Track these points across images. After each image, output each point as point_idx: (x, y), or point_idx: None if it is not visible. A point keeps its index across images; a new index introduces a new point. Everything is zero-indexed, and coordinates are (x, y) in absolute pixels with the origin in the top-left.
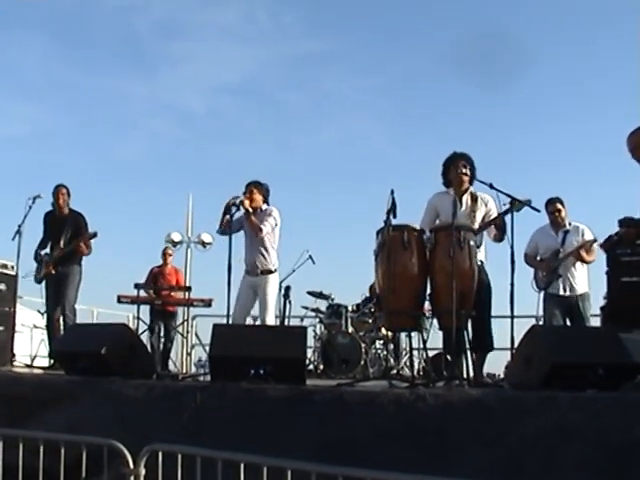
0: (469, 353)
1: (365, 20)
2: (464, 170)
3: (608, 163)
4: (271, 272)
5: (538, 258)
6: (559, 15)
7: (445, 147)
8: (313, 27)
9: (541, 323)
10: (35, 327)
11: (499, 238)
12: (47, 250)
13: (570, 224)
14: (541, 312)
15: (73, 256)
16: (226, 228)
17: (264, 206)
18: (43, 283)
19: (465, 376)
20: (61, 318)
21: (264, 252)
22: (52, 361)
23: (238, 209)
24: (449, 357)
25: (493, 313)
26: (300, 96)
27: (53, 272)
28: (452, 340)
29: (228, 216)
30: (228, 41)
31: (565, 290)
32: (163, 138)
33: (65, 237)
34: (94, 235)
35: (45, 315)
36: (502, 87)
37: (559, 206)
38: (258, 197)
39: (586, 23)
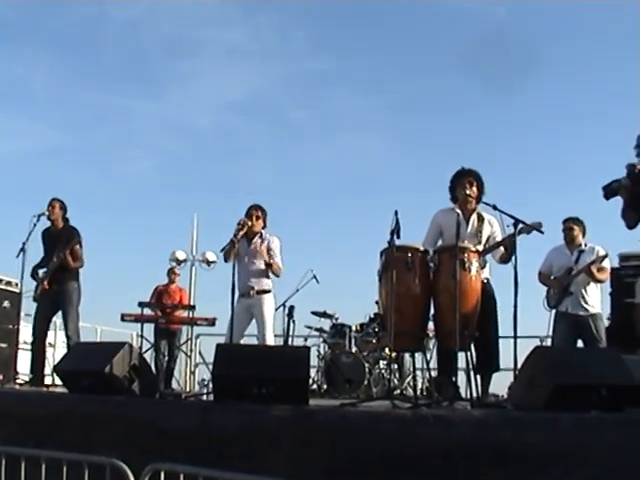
0: (472, 374)
1: (370, 38)
2: (469, 192)
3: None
4: (266, 292)
5: (552, 277)
6: (562, 17)
7: (451, 165)
8: (319, 45)
9: (545, 344)
10: None
11: (506, 259)
12: (45, 268)
13: (586, 245)
14: (547, 332)
15: (66, 271)
16: (234, 258)
17: (264, 232)
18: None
19: (468, 397)
20: (65, 338)
21: (259, 273)
22: (52, 379)
23: (244, 231)
24: (450, 378)
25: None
26: (305, 114)
27: (47, 287)
28: (455, 361)
29: (237, 245)
30: (234, 59)
31: (575, 308)
32: (169, 156)
33: (57, 251)
34: (77, 241)
35: (32, 332)
36: (507, 101)
37: (571, 224)
38: (260, 222)
39: (590, 28)
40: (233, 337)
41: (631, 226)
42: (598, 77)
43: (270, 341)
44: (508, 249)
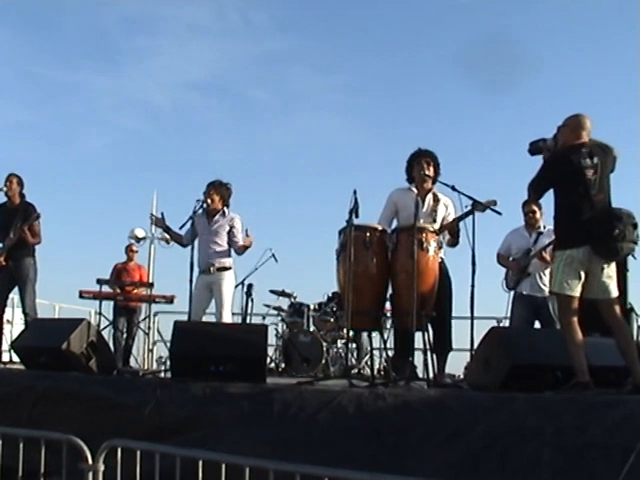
0: (429, 354)
1: (331, 19)
2: (427, 172)
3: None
4: (227, 269)
5: (510, 259)
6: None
7: (408, 145)
8: (281, 25)
9: (503, 325)
10: None
11: (452, 243)
12: (0, 244)
13: (545, 227)
14: (505, 314)
15: (23, 247)
16: (185, 241)
17: (225, 210)
18: None
19: (425, 376)
20: (22, 315)
21: (219, 251)
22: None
23: (201, 207)
24: (407, 358)
25: (454, 314)
26: (266, 93)
27: (4, 264)
28: (412, 341)
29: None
30: (196, 37)
31: (533, 289)
32: (129, 133)
33: (15, 227)
34: (36, 217)
35: None
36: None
37: (534, 207)
38: (217, 199)
39: (590, 27)
40: (193, 314)
41: (530, 199)
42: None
43: (228, 319)
44: (452, 234)
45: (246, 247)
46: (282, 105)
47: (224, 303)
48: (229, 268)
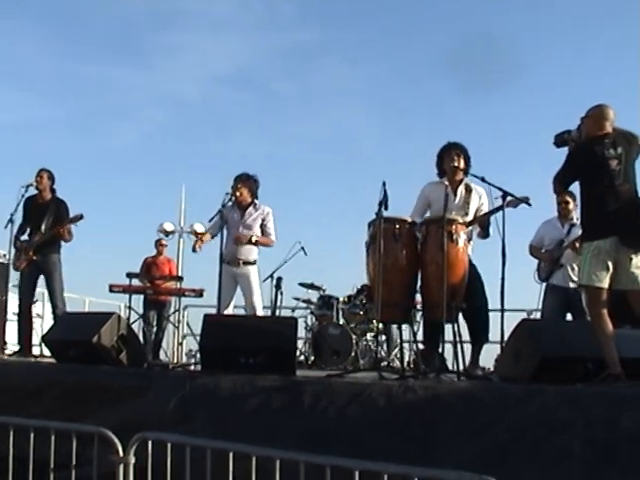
0: (459, 346)
1: (358, 9)
2: (456, 164)
3: None
4: (252, 264)
5: (543, 250)
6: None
7: (439, 138)
8: (307, 17)
9: (533, 316)
10: None
11: (482, 236)
12: (26, 237)
13: (578, 219)
14: (537, 305)
15: (53, 243)
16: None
17: (256, 202)
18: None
19: (455, 369)
20: (51, 309)
21: (247, 245)
22: (41, 350)
23: (230, 200)
24: (437, 350)
25: None
26: (293, 85)
27: (34, 258)
28: (442, 333)
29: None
30: (224, 31)
31: (565, 281)
32: (158, 127)
33: (46, 223)
34: (80, 217)
35: (18, 303)
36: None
37: (567, 198)
38: (245, 192)
39: (580, 26)
40: (221, 305)
41: (555, 191)
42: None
43: (259, 311)
44: (482, 226)
45: (273, 242)
46: (309, 97)
47: (254, 295)
48: (254, 262)
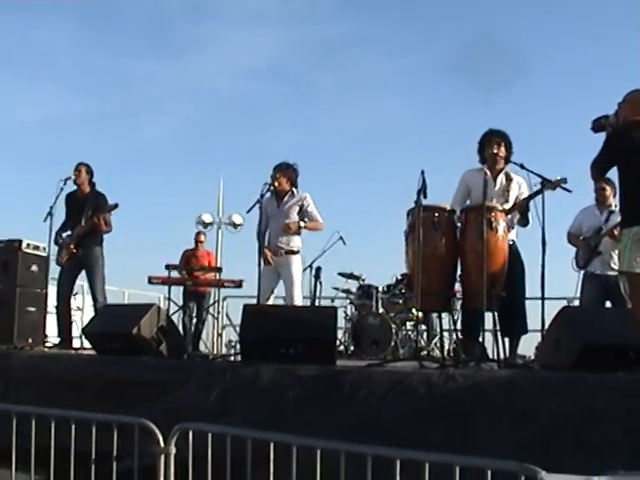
0: (499, 335)
1: (396, 2)
2: (497, 151)
3: None
4: (295, 253)
5: (581, 237)
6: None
7: (475, 124)
8: (344, 8)
9: (574, 304)
10: None
11: (522, 223)
12: (68, 232)
13: (616, 206)
14: (574, 294)
15: (94, 236)
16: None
17: (294, 190)
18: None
19: (495, 358)
20: (92, 302)
21: (289, 233)
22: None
23: (269, 190)
24: (477, 338)
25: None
26: (330, 77)
27: (74, 251)
28: (482, 321)
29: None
30: (259, 22)
31: (604, 268)
32: (193, 120)
33: (86, 216)
34: (114, 207)
35: (57, 296)
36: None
37: (604, 184)
38: (283, 181)
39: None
40: (261, 295)
41: (593, 177)
42: None
43: (298, 302)
44: (521, 213)
45: (321, 224)
46: (346, 89)
47: (294, 285)
48: (297, 252)
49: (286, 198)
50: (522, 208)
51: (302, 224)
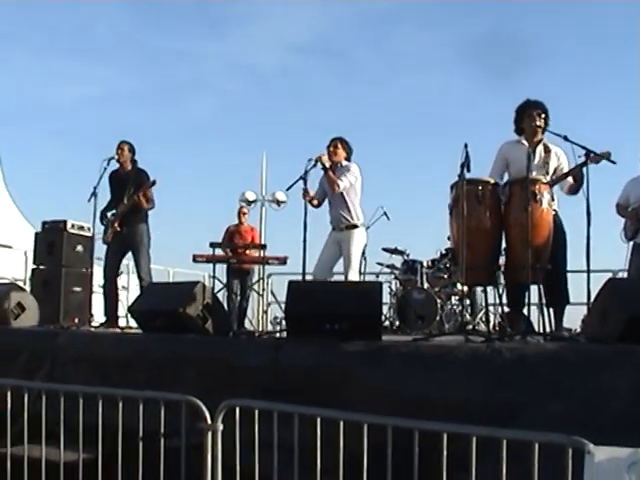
0: (544, 308)
1: None
2: (538, 122)
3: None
4: (356, 227)
5: (630, 209)
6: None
7: (518, 97)
8: None
9: (619, 276)
10: None
11: (575, 190)
12: (113, 211)
13: None
14: (624, 265)
15: (137, 214)
16: (312, 200)
17: (344, 162)
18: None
19: (541, 330)
20: (137, 281)
21: (348, 207)
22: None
23: (315, 166)
24: (522, 311)
25: (570, 267)
26: (372, 53)
27: (119, 230)
28: (528, 295)
29: (303, 186)
30: None
31: None
32: (236, 97)
33: (128, 193)
34: (153, 183)
35: (103, 275)
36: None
37: None
38: (341, 152)
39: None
40: (319, 269)
41: None
42: None
43: (353, 277)
44: (577, 179)
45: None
46: (388, 64)
47: (352, 262)
48: (359, 226)
49: (336, 172)
50: (577, 175)
51: (327, 164)
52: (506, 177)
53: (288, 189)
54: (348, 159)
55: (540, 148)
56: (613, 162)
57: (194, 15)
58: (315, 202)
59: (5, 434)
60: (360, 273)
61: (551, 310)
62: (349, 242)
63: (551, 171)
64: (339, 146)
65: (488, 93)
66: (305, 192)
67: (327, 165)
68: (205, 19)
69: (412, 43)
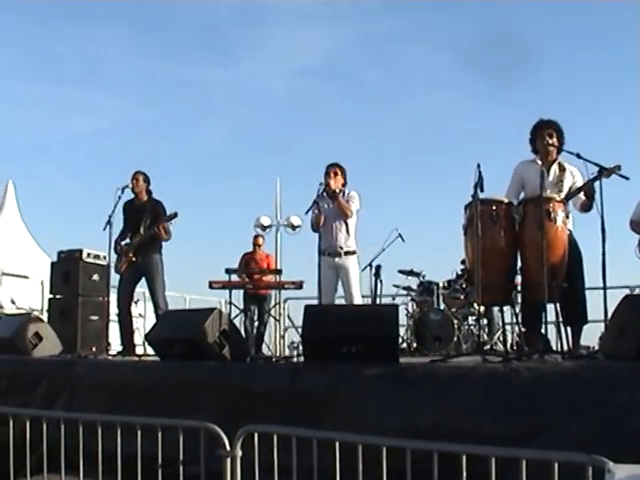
0: (562, 326)
1: None
2: (550, 141)
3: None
4: (355, 253)
5: None
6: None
7: (529, 118)
8: (391, 4)
9: (636, 292)
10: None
11: (587, 207)
12: (127, 240)
13: None
14: (639, 282)
15: (152, 244)
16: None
17: (345, 189)
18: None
19: (559, 349)
20: (153, 309)
21: (349, 233)
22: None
23: (324, 191)
24: (539, 330)
25: (586, 285)
26: (380, 74)
27: (133, 260)
28: (545, 313)
29: (317, 211)
30: (307, 23)
31: None
32: (246, 123)
33: (144, 224)
34: (174, 216)
35: (117, 304)
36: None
37: None
38: (340, 179)
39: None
40: (323, 296)
41: None
42: None
43: (358, 301)
44: (588, 195)
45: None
46: (398, 85)
47: (353, 285)
48: (354, 252)
49: (343, 198)
50: (588, 190)
51: (341, 197)
52: (522, 197)
53: (307, 212)
54: (344, 184)
55: (555, 167)
56: (626, 178)
57: (203, 44)
58: (316, 226)
59: (25, 464)
60: (376, 296)
61: (568, 328)
62: (348, 268)
63: (565, 189)
64: (338, 172)
65: (498, 108)
66: (317, 216)
67: (337, 191)
68: (214, 47)
69: (420, 63)
